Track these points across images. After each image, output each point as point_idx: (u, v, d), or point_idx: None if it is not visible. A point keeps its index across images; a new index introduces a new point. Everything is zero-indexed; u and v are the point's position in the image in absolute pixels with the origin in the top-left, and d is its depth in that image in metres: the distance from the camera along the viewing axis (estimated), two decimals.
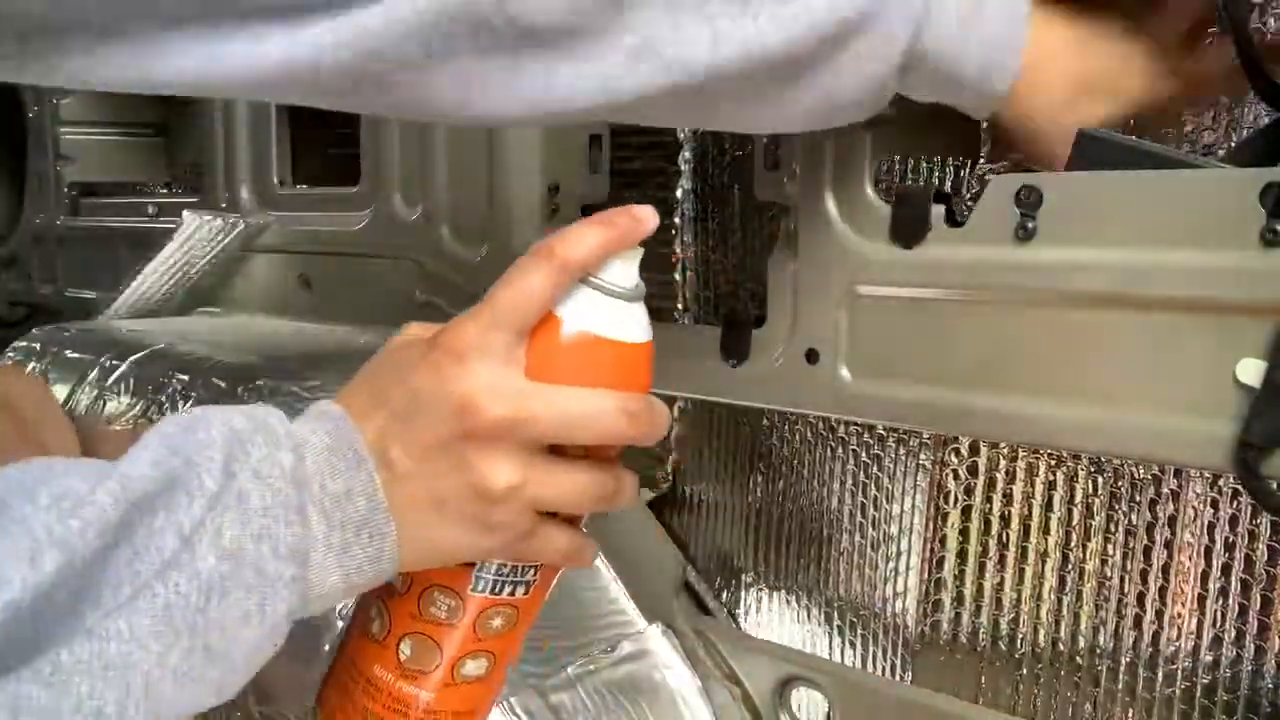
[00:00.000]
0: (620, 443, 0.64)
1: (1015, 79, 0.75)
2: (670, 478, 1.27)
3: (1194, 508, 0.88)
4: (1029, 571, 0.98)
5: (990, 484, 1.00)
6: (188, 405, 1.30)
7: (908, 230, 0.85)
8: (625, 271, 0.64)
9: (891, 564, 1.07)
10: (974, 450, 1.00)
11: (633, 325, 0.64)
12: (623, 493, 0.65)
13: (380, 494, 0.59)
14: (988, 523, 1.00)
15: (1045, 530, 0.97)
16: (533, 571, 0.68)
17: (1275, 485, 0.70)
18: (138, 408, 1.34)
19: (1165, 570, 0.90)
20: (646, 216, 0.64)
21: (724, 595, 1.23)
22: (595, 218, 0.64)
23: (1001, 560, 1.00)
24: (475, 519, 0.61)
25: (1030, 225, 0.78)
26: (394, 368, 0.63)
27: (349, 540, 0.59)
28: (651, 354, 0.65)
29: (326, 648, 1.06)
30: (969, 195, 0.97)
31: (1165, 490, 0.90)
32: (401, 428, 0.60)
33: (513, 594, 0.68)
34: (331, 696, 0.73)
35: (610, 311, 0.63)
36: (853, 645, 1.12)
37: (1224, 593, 0.87)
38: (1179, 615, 0.90)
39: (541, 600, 0.71)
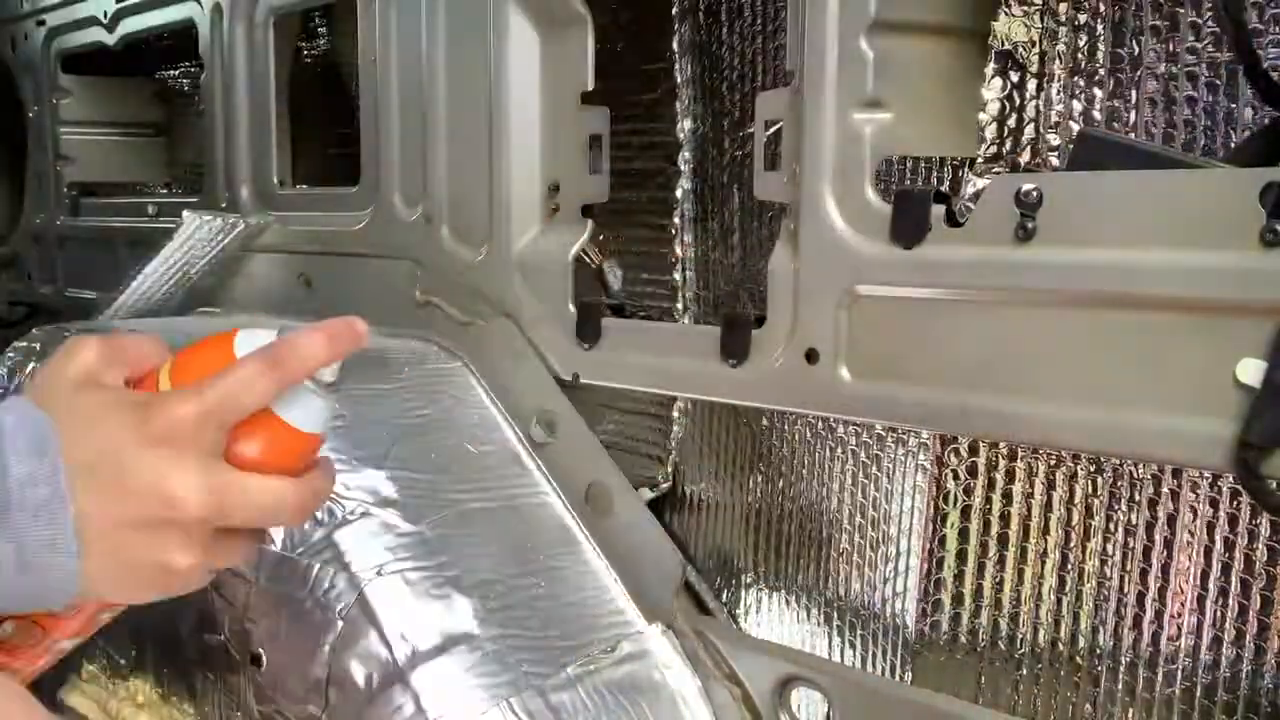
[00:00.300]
0: (286, 525, 0.78)
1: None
2: (670, 478, 1.27)
3: (1193, 508, 0.88)
4: (1028, 571, 0.98)
5: (990, 484, 1.00)
6: None
7: (908, 230, 0.85)
8: (331, 373, 0.72)
9: (891, 564, 1.07)
10: (973, 450, 1.00)
11: (323, 417, 0.72)
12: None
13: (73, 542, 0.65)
14: (987, 523, 1.00)
15: (1045, 530, 0.97)
16: None
17: (1275, 485, 0.70)
18: None
19: (1165, 570, 0.90)
20: (364, 331, 0.71)
21: (724, 595, 1.23)
22: (321, 330, 0.70)
23: (1001, 560, 1.00)
24: (154, 587, 0.69)
25: (1030, 225, 0.78)
26: (100, 433, 0.67)
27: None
28: (323, 442, 0.74)
29: (327, 650, 1.07)
30: (969, 195, 0.97)
31: (1165, 490, 0.90)
32: (103, 498, 0.65)
33: None
34: None
35: (313, 407, 0.71)
36: (852, 645, 1.12)
37: (1224, 593, 0.87)
38: (1178, 615, 0.90)
39: None
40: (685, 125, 1.20)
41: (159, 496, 0.65)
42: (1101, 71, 0.91)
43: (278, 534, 1.13)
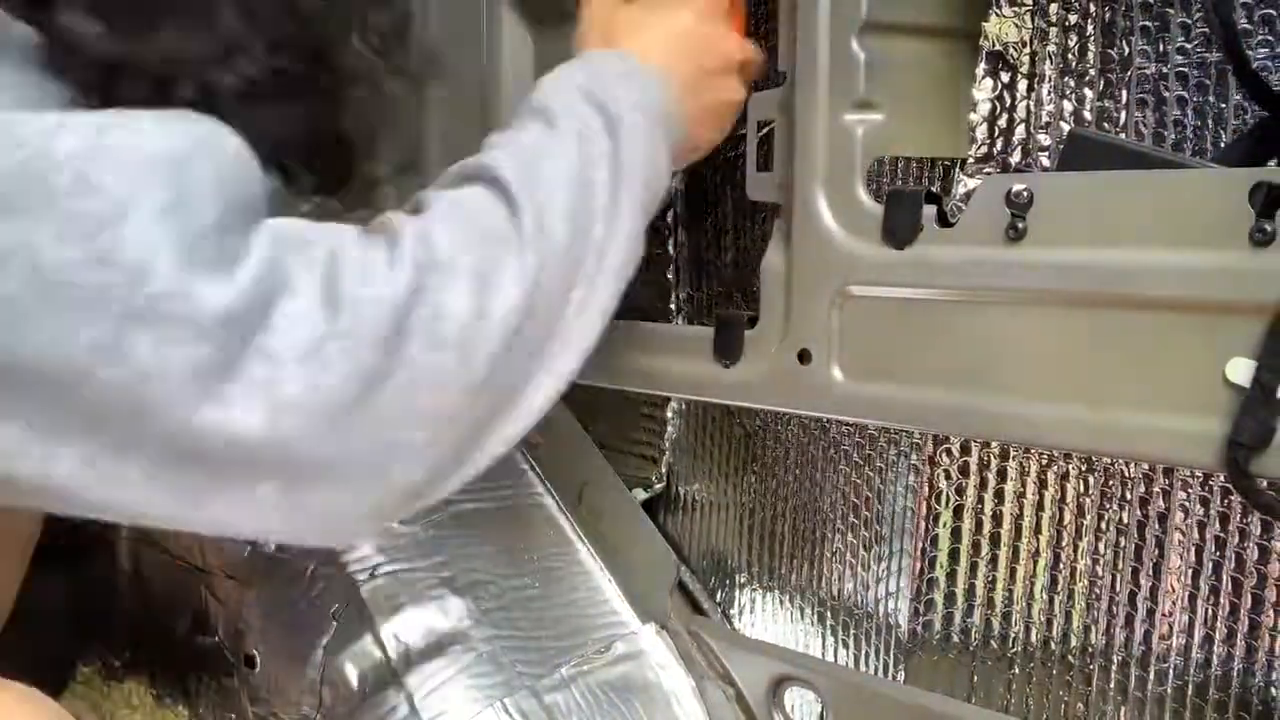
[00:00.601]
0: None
1: None
2: (664, 478, 1.27)
3: (1184, 506, 0.89)
4: (1021, 571, 0.98)
5: (982, 483, 1.00)
6: None
7: (899, 230, 0.86)
8: None
9: (884, 564, 1.08)
10: (965, 450, 1.01)
11: None
12: None
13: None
14: (979, 522, 1.00)
15: (1037, 529, 0.97)
16: None
17: (1265, 484, 0.70)
18: None
19: (1156, 569, 0.91)
20: None
21: (718, 595, 1.23)
22: None
23: (993, 559, 1.00)
24: (722, 120, 0.96)
25: (1021, 225, 0.78)
26: (670, 22, 0.92)
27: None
28: None
29: (320, 651, 1.07)
30: (960, 196, 0.98)
31: (1156, 489, 0.90)
32: (695, 59, 0.90)
33: None
34: None
35: None
36: (846, 645, 1.12)
37: (1215, 591, 0.88)
38: (1170, 614, 0.90)
39: None
40: None
41: (723, 50, 0.92)
42: (1092, 72, 0.91)
43: None
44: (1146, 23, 0.88)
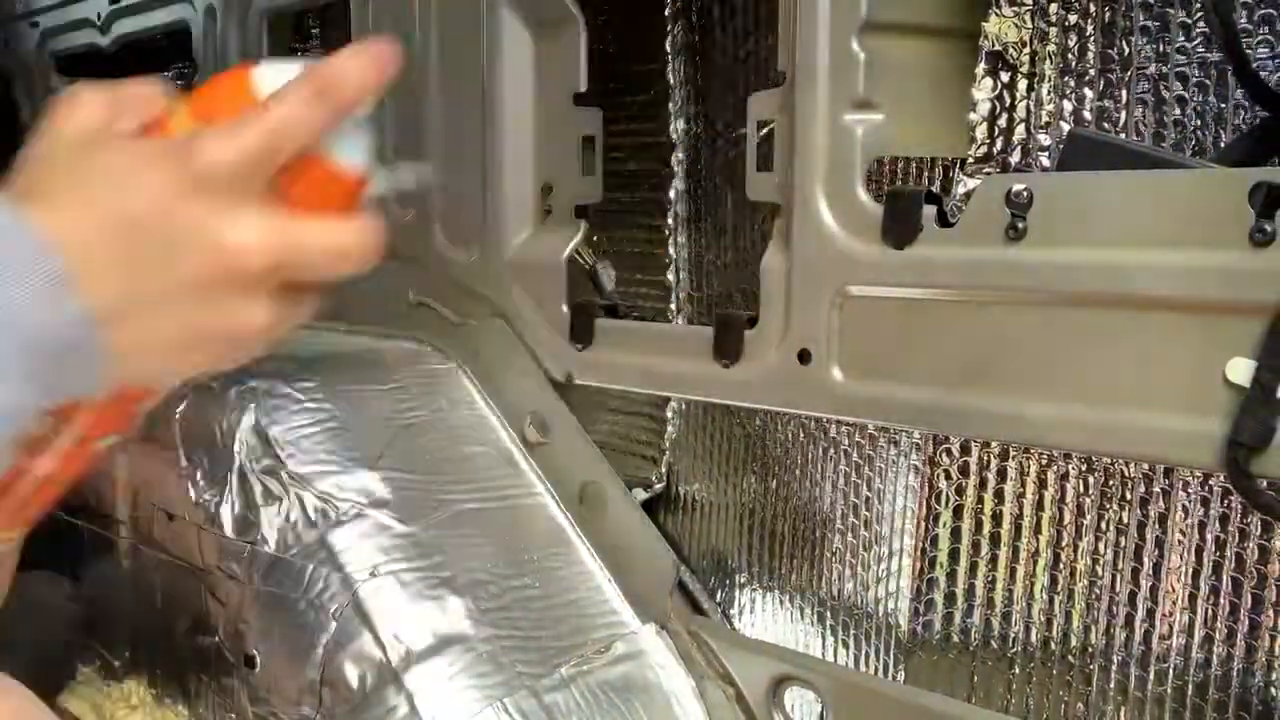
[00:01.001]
0: (354, 269, 0.65)
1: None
2: (664, 478, 1.27)
3: (1184, 507, 0.89)
4: (1021, 571, 0.98)
5: (982, 483, 1.00)
6: (181, 407, 1.30)
7: (899, 231, 0.86)
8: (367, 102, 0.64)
9: (884, 564, 1.08)
10: (965, 450, 1.01)
11: (367, 151, 0.65)
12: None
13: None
14: (979, 522, 1.00)
15: (1037, 529, 0.97)
16: None
17: (1265, 484, 0.70)
18: None
19: (1156, 569, 0.91)
20: (398, 50, 0.64)
21: (718, 595, 1.23)
22: (362, 52, 0.63)
23: (993, 560, 1.00)
24: (218, 355, 0.62)
25: (1021, 225, 0.79)
26: (132, 190, 0.57)
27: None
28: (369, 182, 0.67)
29: (320, 651, 1.07)
30: (959, 196, 0.97)
31: (1156, 489, 0.90)
32: (149, 263, 0.57)
33: None
34: None
35: (357, 140, 0.64)
36: (846, 645, 1.12)
37: (1215, 591, 0.88)
38: (1170, 614, 0.90)
39: None
40: (678, 126, 1.20)
41: (216, 250, 0.57)
42: (1092, 72, 0.91)
43: (271, 535, 1.13)
44: (1146, 22, 0.88)
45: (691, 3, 1.19)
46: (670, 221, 1.22)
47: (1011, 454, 0.98)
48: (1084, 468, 0.94)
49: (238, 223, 0.58)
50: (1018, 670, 1.00)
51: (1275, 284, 0.68)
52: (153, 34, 1.84)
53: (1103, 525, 0.93)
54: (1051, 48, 0.93)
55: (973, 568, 1.01)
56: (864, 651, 1.11)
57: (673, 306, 1.23)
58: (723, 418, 1.22)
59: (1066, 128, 0.92)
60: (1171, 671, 0.91)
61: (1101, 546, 0.93)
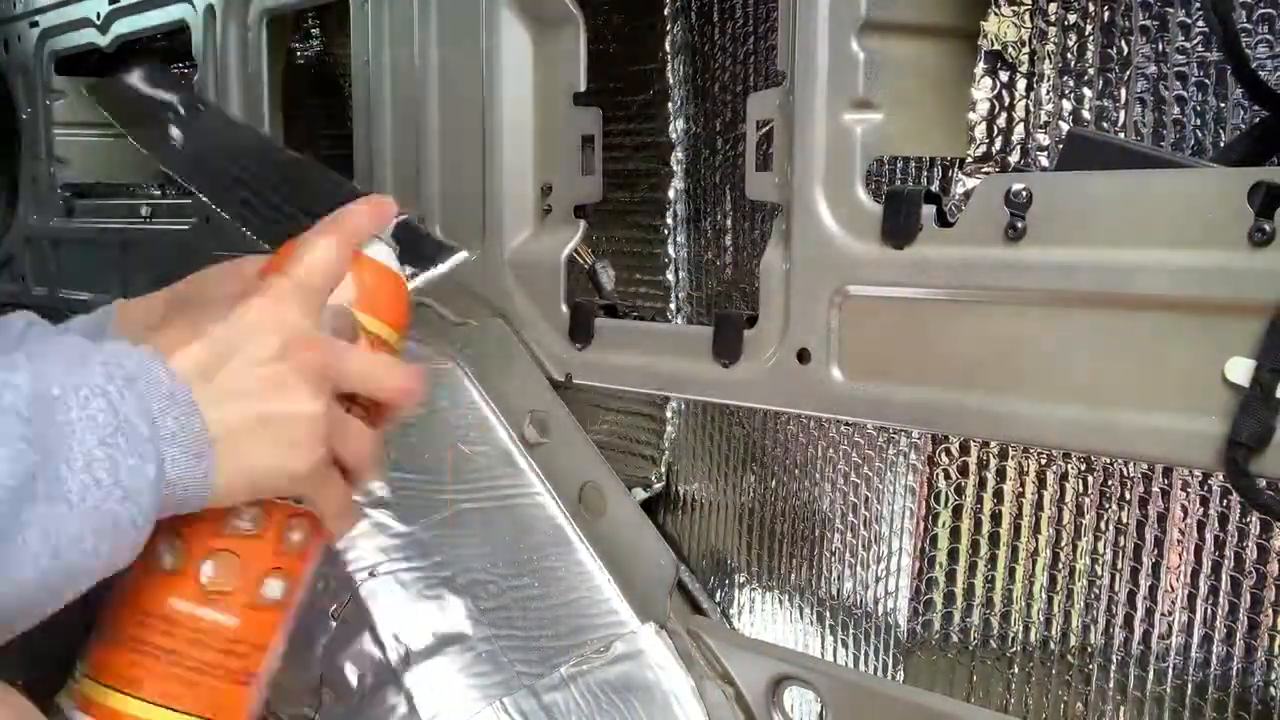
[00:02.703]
0: (399, 398, 0.74)
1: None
2: (664, 478, 1.27)
3: (1184, 506, 0.89)
4: (1020, 570, 0.98)
5: (981, 483, 1.00)
6: None
7: (899, 230, 0.86)
8: (388, 238, 0.79)
9: (883, 563, 1.08)
10: (964, 450, 1.01)
11: (396, 262, 0.79)
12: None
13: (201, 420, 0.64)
14: (978, 522, 1.00)
15: (1036, 529, 0.97)
16: None
17: (1264, 483, 0.70)
18: None
19: (1155, 569, 0.91)
20: (393, 202, 0.79)
21: (717, 595, 1.23)
22: (361, 202, 0.77)
23: (992, 559, 1.00)
24: (282, 438, 0.67)
25: (1020, 225, 0.79)
26: (211, 308, 0.69)
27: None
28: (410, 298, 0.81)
29: (320, 651, 1.07)
30: (959, 195, 0.97)
31: (1155, 489, 0.90)
32: (227, 354, 0.66)
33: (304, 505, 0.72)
34: (116, 656, 0.72)
35: (385, 249, 0.77)
36: (845, 644, 1.12)
37: (1214, 591, 0.88)
38: (1169, 613, 0.90)
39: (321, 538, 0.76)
40: (677, 126, 1.20)
41: (272, 330, 0.67)
42: (1091, 71, 0.91)
43: None
44: (1146, 22, 0.88)
45: (691, 2, 1.19)
46: (670, 221, 1.22)
47: (1011, 454, 0.98)
48: (1084, 468, 0.94)
49: (285, 314, 0.69)
50: (1017, 670, 1.00)
51: (1275, 283, 0.68)
52: (152, 34, 1.84)
53: (1102, 525, 0.93)
54: (1050, 47, 0.93)
55: (972, 568, 1.01)
56: (863, 651, 1.11)
57: (672, 306, 1.23)
58: (722, 417, 1.22)
59: (1066, 127, 0.92)
60: (1171, 671, 0.91)
61: (1101, 546, 0.93)
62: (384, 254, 0.77)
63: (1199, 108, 0.86)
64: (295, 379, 0.67)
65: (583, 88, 1.14)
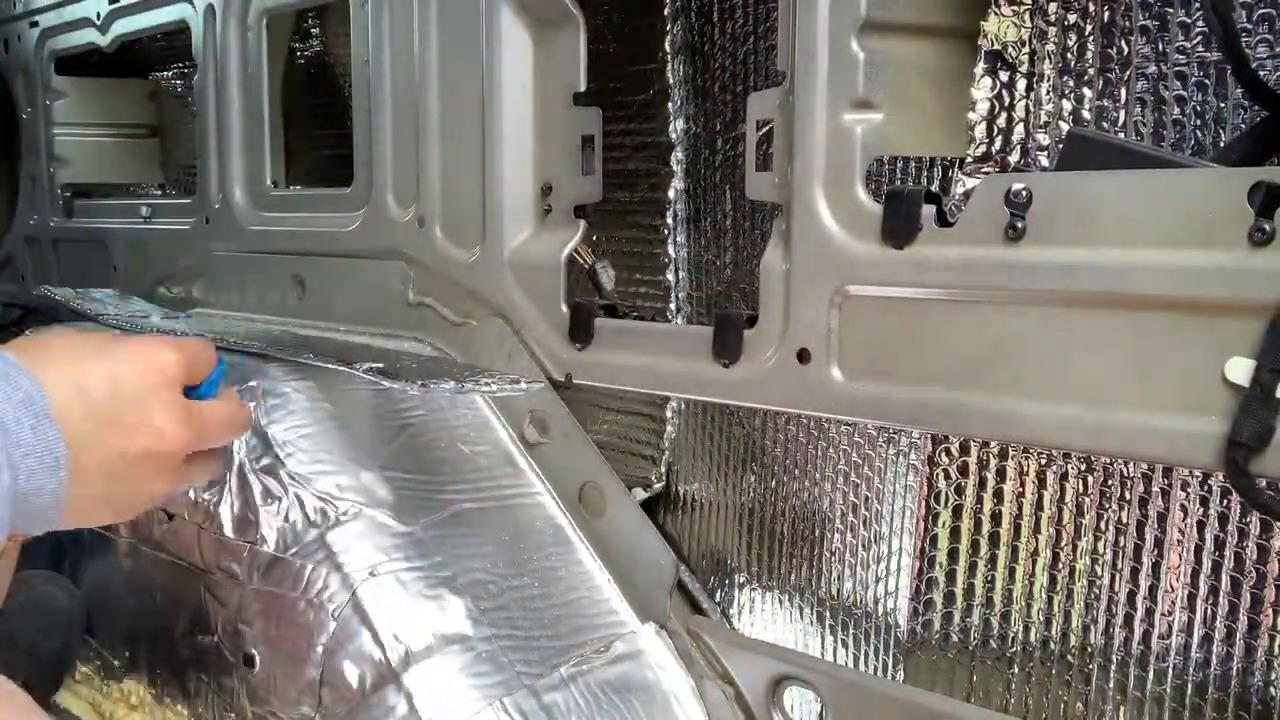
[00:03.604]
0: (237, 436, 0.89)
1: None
2: (664, 478, 1.27)
3: (1184, 506, 0.89)
4: (1020, 570, 0.98)
5: (981, 483, 1.00)
6: None
7: (899, 230, 0.86)
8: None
9: (883, 563, 1.08)
10: (964, 450, 1.01)
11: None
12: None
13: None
14: (979, 522, 1.00)
15: (1036, 529, 0.97)
16: None
17: (1264, 483, 0.70)
18: None
19: (1155, 568, 0.91)
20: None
21: (717, 595, 1.23)
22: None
23: (992, 559, 1.00)
24: (126, 507, 0.80)
25: (1020, 225, 0.79)
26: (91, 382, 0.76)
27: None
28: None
29: (320, 649, 1.07)
30: (959, 195, 0.97)
31: (1155, 489, 0.90)
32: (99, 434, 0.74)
33: None
34: None
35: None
36: (845, 644, 1.12)
37: (1214, 591, 0.88)
38: (1169, 613, 0.90)
39: None
40: (677, 126, 1.20)
41: (149, 433, 0.76)
42: (1091, 71, 0.91)
43: (270, 534, 1.13)
44: (1145, 22, 0.88)
45: (691, 2, 1.19)
46: (669, 221, 1.22)
47: (1011, 454, 0.98)
48: (1083, 468, 0.94)
49: (161, 413, 0.77)
50: (1017, 670, 1.00)
51: (1275, 283, 0.68)
52: (152, 34, 1.84)
53: (1102, 525, 0.93)
54: (1051, 47, 0.93)
55: (972, 568, 1.01)
56: (863, 651, 1.11)
57: (672, 306, 1.23)
58: (722, 417, 1.22)
59: (1066, 127, 0.92)
60: (1171, 671, 0.91)
61: (1101, 546, 0.93)
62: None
63: (1199, 108, 0.86)
64: (153, 468, 0.77)
65: (583, 88, 1.14)
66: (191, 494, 1.21)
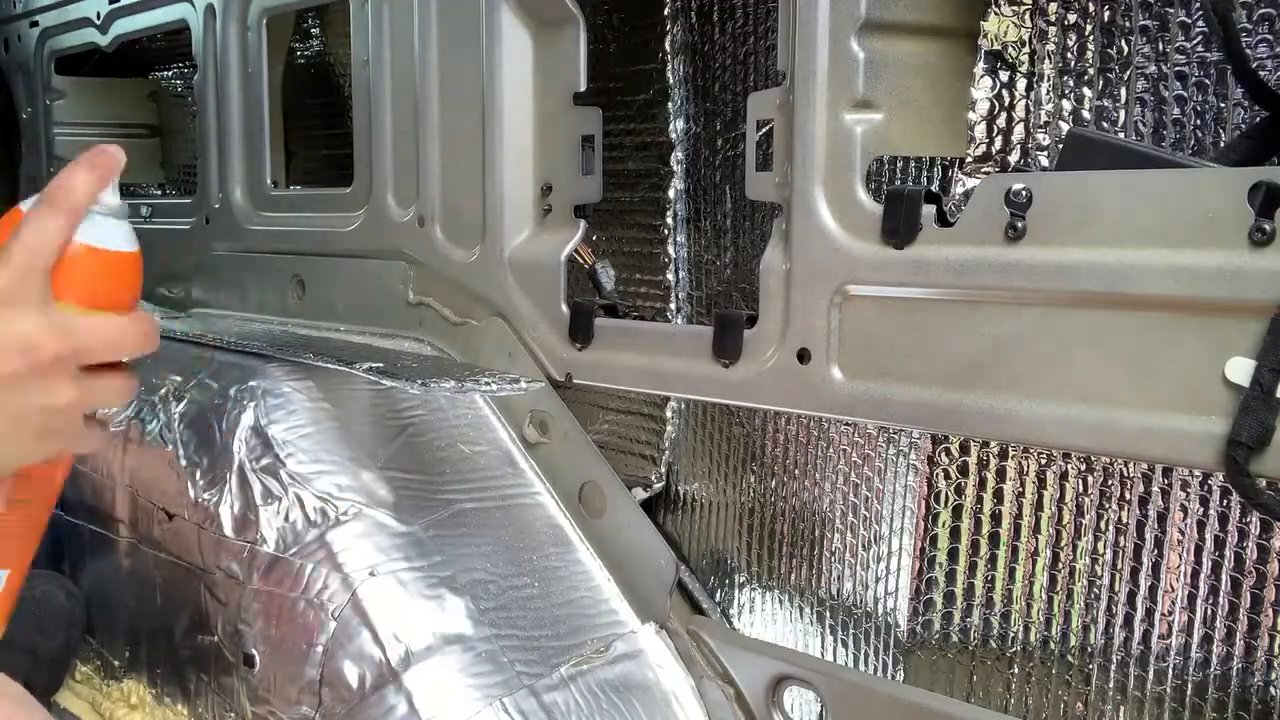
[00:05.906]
0: (137, 351, 0.78)
1: None
2: (664, 478, 1.27)
3: (1184, 506, 0.89)
4: (1020, 570, 0.98)
5: (981, 483, 1.00)
6: (180, 406, 1.30)
7: (899, 230, 0.86)
8: (113, 197, 0.76)
9: (883, 563, 1.08)
10: (965, 450, 1.01)
11: (125, 233, 0.78)
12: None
13: None
14: (978, 522, 1.00)
15: (1036, 529, 0.97)
16: None
17: (1264, 483, 0.70)
18: (130, 408, 1.34)
19: (1155, 568, 0.91)
20: (115, 151, 0.76)
21: (717, 595, 1.23)
22: (77, 162, 0.75)
23: (992, 559, 1.00)
24: (43, 436, 0.74)
25: (1020, 225, 0.79)
26: None
27: None
28: (142, 260, 0.80)
29: (320, 648, 1.07)
30: (959, 195, 0.97)
31: (1155, 489, 0.90)
32: None
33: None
34: None
35: (110, 226, 0.76)
36: (845, 644, 1.12)
37: (1214, 590, 0.88)
38: (1169, 613, 0.90)
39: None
40: (677, 126, 1.20)
41: (11, 347, 0.70)
42: (1091, 71, 0.91)
43: (270, 534, 1.13)
44: (1145, 22, 0.88)
45: (691, 2, 1.19)
46: (670, 221, 1.22)
47: (1011, 454, 0.98)
48: (1084, 468, 0.94)
49: (23, 321, 0.71)
50: (1017, 670, 1.00)
51: (1275, 284, 0.68)
52: (152, 33, 1.84)
53: (1102, 525, 0.93)
54: (1050, 47, 0.93)
55: (972, 568, 1.01)
56: (863, 651, 1.11)
57: (672, 306, 1.23)
58: (722, 417, 1.22)
59: (1066, 127, 0.92)
60: (1171, 671, 0.91)
61: (1101, 546, 0.93)
62: (100, 233, 0.76)
63: (1199, 108, 0.86)
64: (38, 381, 0.72)
65: (583, 88, 1.14)
66: (192, 493, 1.21)
